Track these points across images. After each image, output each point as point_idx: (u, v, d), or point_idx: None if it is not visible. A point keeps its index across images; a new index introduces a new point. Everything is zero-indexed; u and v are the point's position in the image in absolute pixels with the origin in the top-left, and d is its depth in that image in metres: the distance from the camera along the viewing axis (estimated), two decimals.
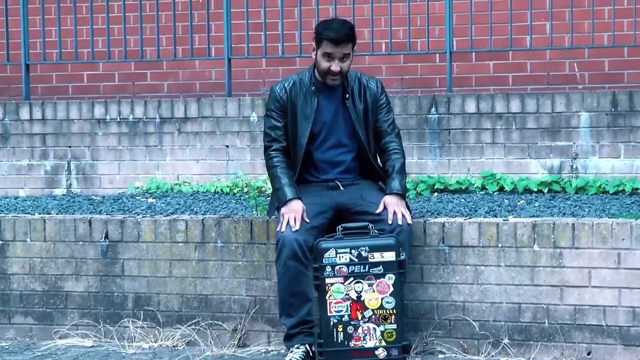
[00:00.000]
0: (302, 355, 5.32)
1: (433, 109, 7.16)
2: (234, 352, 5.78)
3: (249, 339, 5.86)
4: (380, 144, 5.60)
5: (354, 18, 7.64)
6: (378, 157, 5.65)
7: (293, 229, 5.27)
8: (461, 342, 5.60)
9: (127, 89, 9.09)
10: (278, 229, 5.34)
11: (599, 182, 6.77)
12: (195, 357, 5.72)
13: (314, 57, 5.54)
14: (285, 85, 5.58)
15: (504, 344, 5.54)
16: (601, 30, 7.73)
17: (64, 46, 8.50)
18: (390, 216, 5.36)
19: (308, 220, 5.32)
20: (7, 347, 6.10)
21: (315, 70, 5.57)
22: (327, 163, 5.58)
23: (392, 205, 5.40)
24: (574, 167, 6.95)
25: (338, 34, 5.43)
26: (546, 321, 5.49)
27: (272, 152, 5.53)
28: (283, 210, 5.36)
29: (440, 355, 5.59)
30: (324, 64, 5.46)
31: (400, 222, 5.33)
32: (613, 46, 7.63)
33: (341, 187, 5.55)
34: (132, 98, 8.30)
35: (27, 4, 8.23)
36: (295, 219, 5.29)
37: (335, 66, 5.45)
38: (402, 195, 5.46)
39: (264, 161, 5.62)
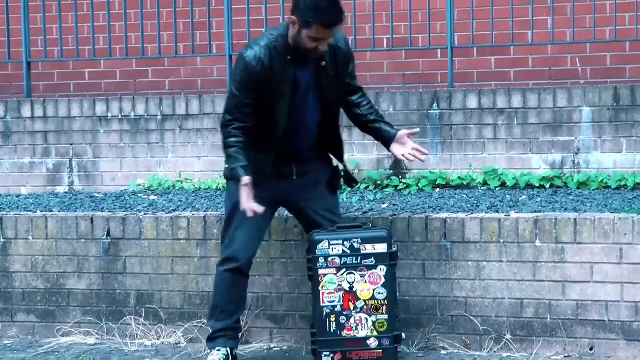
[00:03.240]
0: (223, 357, 5.32)
1: (435, 105, 7.15)
2: None
3: (251, 335, 5.86)
4: (352, 100, 5.34)
5: (355, 14, 7.63)
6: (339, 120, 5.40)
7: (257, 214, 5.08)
8: (463, 338, 5.60)
9: (128, 87, 9.08)
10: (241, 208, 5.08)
11: (601, 177, 6.76)
12: (198, 354, 5.72)
13: (293, 30, 5.01)
14: (261, 56, 5.03)
15: (507, 339, 5.54)
16: (603, 24, 7.71)
17: (65, 44, 8.49)
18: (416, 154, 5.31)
19: (260, 211, 5.03)
20: (10, 345, 6.11)
21: (290, 36, 5.07)
22: (294, 131, 5.22)
23: (411, 145, 5.32)
24: (576, 162, 6.94)
25: (333, 18, 4.96)
26: (548, 317, 5.49)
27: (232, 130, 5.11)
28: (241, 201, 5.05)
29: (443, 352, 5.59)
30: (310, 44, 5.00)
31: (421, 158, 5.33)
32: (615, 41, 7.61)
33: (294, 177, 5.32)
34: (133, 95, 8.29)
35: (28, 2, 8.22)
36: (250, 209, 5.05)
37: (323, 47, 5.03)
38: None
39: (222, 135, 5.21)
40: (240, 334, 5.46)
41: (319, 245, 5.30)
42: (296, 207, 5.46)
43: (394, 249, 5.35)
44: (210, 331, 5.43)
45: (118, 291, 6.09)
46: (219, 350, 5.34)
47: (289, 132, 5.20)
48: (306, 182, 5.35)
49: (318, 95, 5.21)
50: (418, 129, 5.77)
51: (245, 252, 5.29)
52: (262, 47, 5.06)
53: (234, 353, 5.39)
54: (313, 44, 5.00)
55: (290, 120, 5.18)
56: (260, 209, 5.04)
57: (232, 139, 5.13)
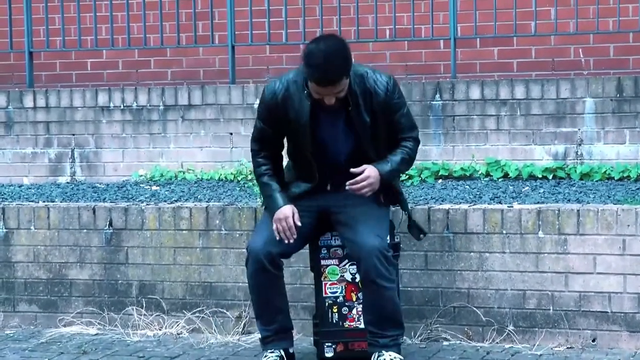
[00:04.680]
0: (276, 359, 5.20)
1: (437, 96, 7.14)
2: (238, 339, 5.79)
3: (253, 326, 5.84)
4: (395, 140, 5.15)
5: (358, 4, 7.62)
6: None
7: (290, 241, 5.01)
8: (466, 329, 5.60)
9: (130, 77, 9.07)
10: (277, 239, 5.04)
11: (604, 168, 6.75)
12: (200, 344, 5.72)
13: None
14: (276, 89, 4.99)
15: (509, 330, 5.54)
16: (606, 15, 7.69)
17: (68, 34, 8.48)
18: (358, 185, 4.96)
19: (300, 224, 5.01)
20: (12, 334, 6.11)
21: None
22: (324, 160, 5.08)
23: (370, 178, 4.96)
24: (578, 153, 6.93)
25: (321, 78, 4.75)
26: (551, 308, 5.48)
27: (259, 160, 5.15)
28: (274, 219, 5.04)
29: (445, 342, 5.59)
30: (316, 96, 4.87)
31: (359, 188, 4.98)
32: (618, 32, 7.59)
33: (328, 188, 5.15)
34: (135, 85, 8.28)
35: None
36: (287, 230, 4.99)
37: (328, 100, 4.85)
38: (383, 177, 5.01)
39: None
40: (291, 331, 5.28)
41: (321, 237, 5.29)
42: (335, 217, 5.14)
43: (397, 240, 5.34)
44: (260, 334, 5.27)
45: (120, 281, 6.09)
46: (272, 352, 5.19)
47: (319, 162, 5.06)
48: (345, 193, 5.05)
49: (353, 142, 5.01)
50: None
51: (263, 244, 5.04)
52: (282, 81, 5.00)
53: (291, 351, 5.25)
54: (318, 96, 4.87)
55: (318, 150, 5.02)
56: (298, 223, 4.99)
57: (262, 168, 5.13)
